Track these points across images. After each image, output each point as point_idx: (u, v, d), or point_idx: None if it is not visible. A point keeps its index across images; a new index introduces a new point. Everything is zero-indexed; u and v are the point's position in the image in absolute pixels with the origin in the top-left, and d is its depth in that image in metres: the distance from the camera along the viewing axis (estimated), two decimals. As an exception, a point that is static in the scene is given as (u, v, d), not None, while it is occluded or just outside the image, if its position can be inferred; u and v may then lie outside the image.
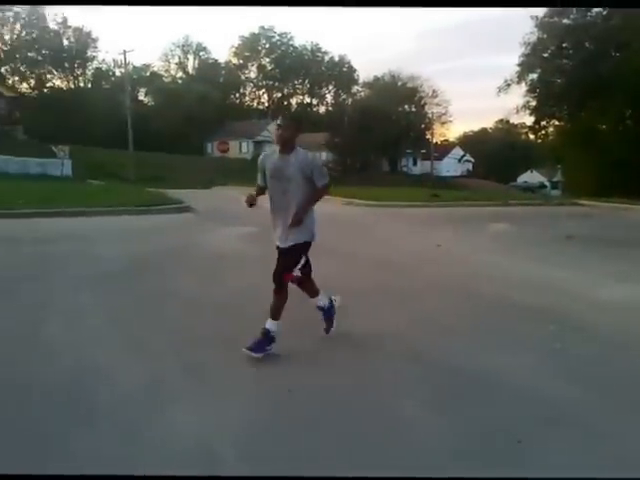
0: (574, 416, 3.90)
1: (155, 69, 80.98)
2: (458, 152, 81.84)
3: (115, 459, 3.29)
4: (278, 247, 5.01)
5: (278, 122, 5.00)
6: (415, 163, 73.81)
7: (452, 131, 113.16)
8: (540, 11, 36.88)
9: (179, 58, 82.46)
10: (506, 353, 5.15)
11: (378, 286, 7.82)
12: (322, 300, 5.34)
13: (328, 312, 5.40)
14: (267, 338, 4.86)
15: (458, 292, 7.60)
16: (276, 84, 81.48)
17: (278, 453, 3.40)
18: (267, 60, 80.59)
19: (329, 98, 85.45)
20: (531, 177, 71.09)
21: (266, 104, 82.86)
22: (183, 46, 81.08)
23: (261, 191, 5.15)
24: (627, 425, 3.80)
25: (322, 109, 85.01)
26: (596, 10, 34.02)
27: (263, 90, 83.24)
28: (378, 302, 6.95)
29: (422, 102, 69.36)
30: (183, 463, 3.26)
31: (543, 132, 44.02)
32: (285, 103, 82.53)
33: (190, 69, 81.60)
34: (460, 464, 3.28)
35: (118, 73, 73.41)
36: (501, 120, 79.36)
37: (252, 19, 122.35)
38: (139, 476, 2.05)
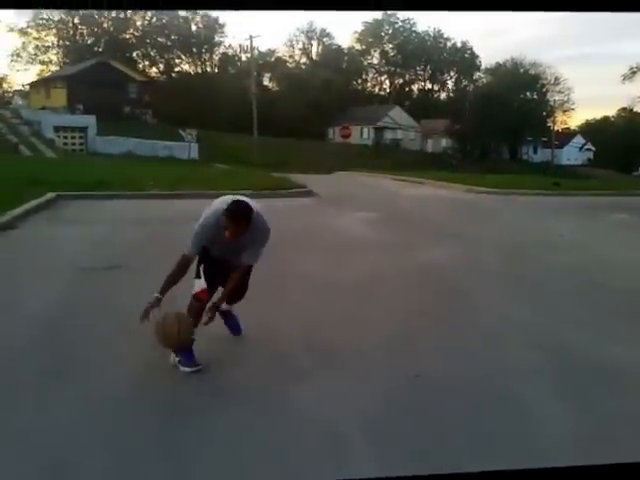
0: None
1: (280, 54, 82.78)
2: (579, 140, 79.77)
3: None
4: None
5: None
6: (535, 151, 72.66)
7: (574, 119, 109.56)
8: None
9: (303, 44, 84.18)
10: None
11: (501, 272, 8.02)
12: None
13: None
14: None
15: (580, 281, 7.64)
16: (398, 70, 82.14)
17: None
18: (390, 46, 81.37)
19: (450, 84, 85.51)
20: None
21: (388, 90, 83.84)
22: (307, 32, 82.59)
23: None
24: None
25: (443, 95, 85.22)
26: None
27: (385, 76, 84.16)
28: (503, 288, 7.19)
29: (544, 89, 68.29)
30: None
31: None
32: (407, 89, 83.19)
33: (314, 55, 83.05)
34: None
35: (244, 58, 75.13)
36: (624, 109, 76.92)
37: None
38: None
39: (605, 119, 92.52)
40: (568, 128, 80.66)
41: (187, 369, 4.34)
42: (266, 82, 79.55)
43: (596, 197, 21.09)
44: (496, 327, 5.62)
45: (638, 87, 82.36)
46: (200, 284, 4.44)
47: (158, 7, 1.31)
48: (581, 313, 6.15)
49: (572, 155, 74.59)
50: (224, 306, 4.79)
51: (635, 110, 65.19)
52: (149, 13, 69.25)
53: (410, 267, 8.12)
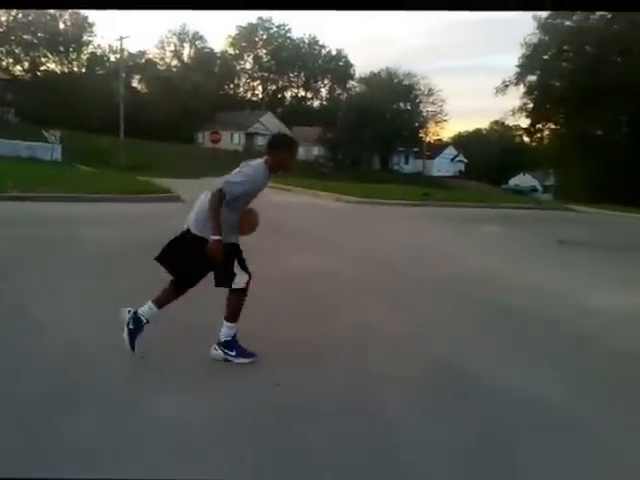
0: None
1: (150, 56, 79.93)
2: (451, 152, 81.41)
3: None
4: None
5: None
6: (407, 161, 73.35)
7: (446, 130, 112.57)
8: (543, 12, 36.55)
9: (175, 46, 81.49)
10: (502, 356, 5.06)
11: (363, 282, 7.76)
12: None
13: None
14: None
15: (442, 292, 7.45)
16: (271, 76, 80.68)
17: None
18: (264, 51, 79.82)
19: (324, 92, 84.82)
20: (523, 180, 70.65)
21: (260, 96, 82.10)
22: (179, 34, 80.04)
23: None
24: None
25: (316, 103, 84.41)
26: (600, 13, 33.59)
27: (258, 81, 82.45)
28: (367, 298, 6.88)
29: (417, 100, 68.90)
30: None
31: (538, 135, 44.02)
32: (280, 96, 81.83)
33: (185, 57, 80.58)
34: None
35: (113, 59, 72.71)
36: (496, 121, 79.21)
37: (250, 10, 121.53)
38: None
39: (478, 131, 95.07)
40: (440, 139, 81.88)
41: (245, 360, 4.49)
42: (135, 84, 76.87)
43: (465, 209, 21.44)
44: (357, 336, 5.39)
45: (510, 100, 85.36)
46: (244, 277, 4.48)
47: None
48: (444, 323, 5.99)
49: (443, 166, 75.82)
50: None
51: (507, 123, 66.95)
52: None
53: (275, 274, 7.61)
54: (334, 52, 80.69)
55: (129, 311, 4.48)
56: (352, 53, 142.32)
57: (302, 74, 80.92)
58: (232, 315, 4.52)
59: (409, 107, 68.23)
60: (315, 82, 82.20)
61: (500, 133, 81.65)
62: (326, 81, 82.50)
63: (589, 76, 33.14)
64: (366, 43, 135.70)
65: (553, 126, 41.00)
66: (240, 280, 4.46)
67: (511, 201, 27.26)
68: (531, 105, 39.04)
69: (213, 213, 4.26)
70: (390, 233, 13.47)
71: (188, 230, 4.47)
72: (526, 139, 51.55)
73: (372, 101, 59.82)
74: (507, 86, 38.89)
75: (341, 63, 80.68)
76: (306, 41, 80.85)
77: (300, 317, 5.86)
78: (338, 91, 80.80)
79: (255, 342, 4.58)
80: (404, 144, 67.45)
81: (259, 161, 4.58)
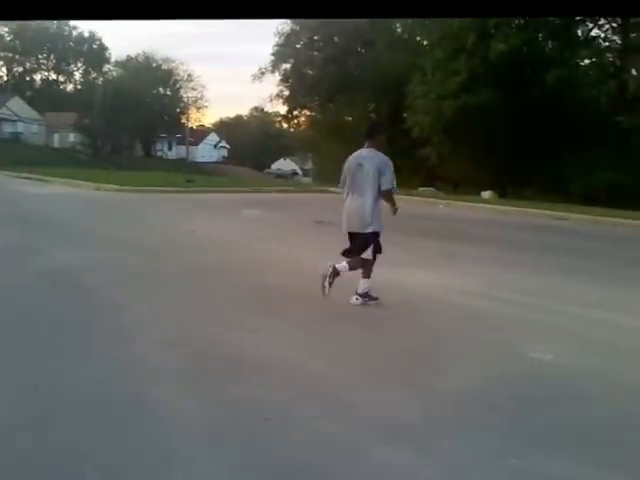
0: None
1: None
2: (214, 138, 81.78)
3: None
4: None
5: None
6: (170, 147, 72.40)
7: (208, 117, 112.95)
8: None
9: None
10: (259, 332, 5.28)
11: (129, 271, 7.75)
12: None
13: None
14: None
15: (211, 276, 7.63)
16: (17, 57, 74.29)
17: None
18: (5, 30, 73.31)
19: (77, 76, 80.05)
20: (284, 164, 73.27)
21: (5, 78, 75.34)
22: None
23: None
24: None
25: (70, 87, 79.51)
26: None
27: (1, 62, 75.55)
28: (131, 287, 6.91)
29: (177, 85, 68.21)
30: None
31: (295, 121, 45.75)
32: (28, 78, 75.84)
33: None
34: None
35: None
36: (256, 108, 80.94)
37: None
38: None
39: (239, 117, 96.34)
40: (203, 126, 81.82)
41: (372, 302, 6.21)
42: None
43: (230, 194, 21.75)
44: (128, 326, 5.33)
45: (267, 87, 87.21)
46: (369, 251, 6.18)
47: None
48: (215, 308, 6.14)
49: (207, 152, 75.95)
50: None
51: (266, 110, 68.60)
52: None
53: (33, 271, 7.36)
54: (87, 34, 76.56)
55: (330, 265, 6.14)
56: (107, 36, 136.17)
57: (52, 56, 75.66)
58: (367, 274, 6.20)
59: (169, 92, 67.36)
60: (67, 65, 77.32)
61: (260, 119, 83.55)
62: (79, 64, 77.94)
63: (338, 66, 35.43)
64: (122, 26, 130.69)
65: (308, 112, 42.87)
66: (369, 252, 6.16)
67: (272, 185, 28.32)
68: (287, 92, 40.46)
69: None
70: (154, 221, 13.33)
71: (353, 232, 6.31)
72: (285, 125, 53.40)
73: (130, 85, 58.04)
74: (263, 73, 39.94)
75: (95, 46, 76.68)
76: (54, 21, 75.70)
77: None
78: (93, 75, 76.83)
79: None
80: (166, 130, 66.50)
81: (371, 150, 6.11)
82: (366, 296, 6.19)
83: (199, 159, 69.15)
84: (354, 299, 6.18)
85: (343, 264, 6.17)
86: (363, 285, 6.22)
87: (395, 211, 6.33)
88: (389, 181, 6.10)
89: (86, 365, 4.26)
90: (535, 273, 8.74)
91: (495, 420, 3.69)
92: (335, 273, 6.08)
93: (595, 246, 12.45)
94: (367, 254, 6.14)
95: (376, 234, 6.21)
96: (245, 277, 7.53)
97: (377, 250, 6.21)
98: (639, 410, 4.07)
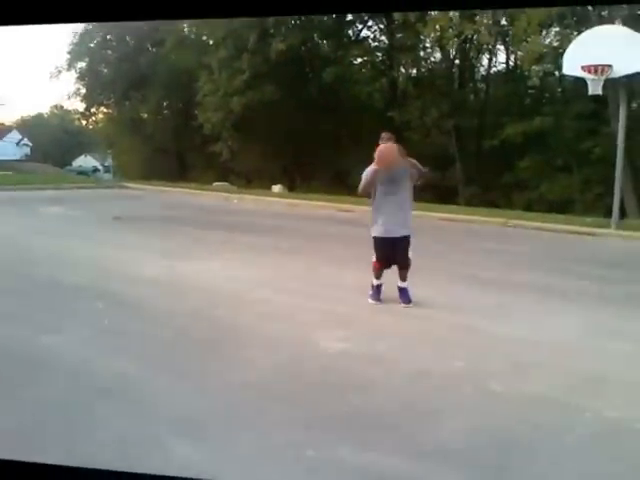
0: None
1: None
2: (16, 136, 77.82)
3: None
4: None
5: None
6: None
7: (8, 114, 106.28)
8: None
9: None
10: (59, 332, 5.45)
11: None
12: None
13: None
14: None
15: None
16: None
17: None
18: None
19: None
20: (85, 161, 71.75)
21: None
22: None
23: None
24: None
25: None
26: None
27: None
28: None
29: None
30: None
31: (94, 118, 45.60)
32: None
33: None
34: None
35: None
36: (56, 106, 78.41)
37: None
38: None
39: (40, 115, 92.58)
40: (3, 124, 77.78)
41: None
42: None
43: (30, 191, 21.68)
44: None
45: (65, 85, 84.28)
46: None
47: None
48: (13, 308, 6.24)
49: (9, 150, 72.00)
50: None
51: (66, 107, 66.72)
52: None
53: None
54: None
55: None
56: None
57: None
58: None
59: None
60: None
61: (60, 116, 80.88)
62: None
63: (130, 65, 36.26)
64: None
65: (105, 110, 42.98)
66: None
67: (74, 182, 28.30)
68: (84, 90, 40.35)
69: None
70: None
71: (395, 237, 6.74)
72: (84, 122, 52.75)
73: None
74: (60, 72, 39.50)
75: None
76: None
77: None
78: None
79: None
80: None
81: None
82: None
83: (1, 157, 65.49)
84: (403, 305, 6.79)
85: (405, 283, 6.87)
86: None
87: None
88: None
89: None
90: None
91: (285, 410, 3.90)
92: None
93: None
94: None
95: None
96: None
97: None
98: (416, 394, 4.37)
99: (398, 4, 1.43)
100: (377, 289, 6.89)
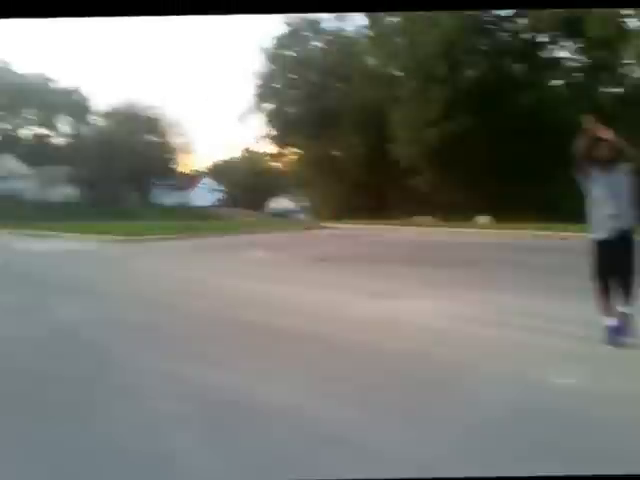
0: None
1: None
2: (209, 182, 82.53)
3: None
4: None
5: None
6: (166, 194, 72.89)
7: (200, 161, 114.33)
8: (269, 43, 39.05)
9: None
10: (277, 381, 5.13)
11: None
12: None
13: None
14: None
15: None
16: (2, 113, 74.29)
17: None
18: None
19: (66, 129, 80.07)
20: (282, 203, 73.85)
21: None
22: None
23: None
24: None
25: (60, 140, 79.54)
26: (314, 43, 37.22)
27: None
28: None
29: (164, 132, 69.08)
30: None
31: (285, 159, 46.50)
32: (15, 135, 75.88)
33: None
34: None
35: None
36: (247, 149, 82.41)
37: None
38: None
39: (231, 160, 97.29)
40: (197, 170, 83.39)
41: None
42: None
43: (235, 236, 22.56)
44: None
45: (253, 128, 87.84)
46: None
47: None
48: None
49: (204, 196, 76.31)
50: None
51: (257, 150, 69.36)
52: None
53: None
54: (69, 87, 76.75)
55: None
56: (86, 86, 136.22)
57: (37, 110, 75.68)
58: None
59: (157, 139, 68.20)
60: (53, 118, 77.43)
61: (252, 160, 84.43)
62: (65, 117, 78.13)
63: (316, 102, 36.63)
64: (101, 75, 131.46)
65: (296, 150, 43.57)
66: None
67: (271, 224, 28.99)
68: (273, 132, 41.32)
69: None
70: (161, 270, 13.28)
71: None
72: (275, 164, 54.19)
73: (118, 135, 58.99)
74: (248, 115, 40.92)
75: (77, 97, 76.96)
76: (35, 75, 75.72)
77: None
78: (80, 126, 77.13)
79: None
80: (160, 177, 67.17)
81: None
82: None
83: (196, 203, 69.47)
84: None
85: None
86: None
87: None
88: None
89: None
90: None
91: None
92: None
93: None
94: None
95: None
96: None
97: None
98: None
99: (398, 4, 1.73)
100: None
